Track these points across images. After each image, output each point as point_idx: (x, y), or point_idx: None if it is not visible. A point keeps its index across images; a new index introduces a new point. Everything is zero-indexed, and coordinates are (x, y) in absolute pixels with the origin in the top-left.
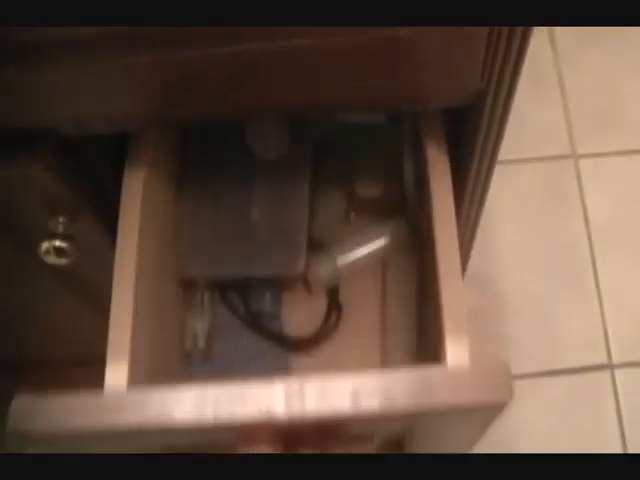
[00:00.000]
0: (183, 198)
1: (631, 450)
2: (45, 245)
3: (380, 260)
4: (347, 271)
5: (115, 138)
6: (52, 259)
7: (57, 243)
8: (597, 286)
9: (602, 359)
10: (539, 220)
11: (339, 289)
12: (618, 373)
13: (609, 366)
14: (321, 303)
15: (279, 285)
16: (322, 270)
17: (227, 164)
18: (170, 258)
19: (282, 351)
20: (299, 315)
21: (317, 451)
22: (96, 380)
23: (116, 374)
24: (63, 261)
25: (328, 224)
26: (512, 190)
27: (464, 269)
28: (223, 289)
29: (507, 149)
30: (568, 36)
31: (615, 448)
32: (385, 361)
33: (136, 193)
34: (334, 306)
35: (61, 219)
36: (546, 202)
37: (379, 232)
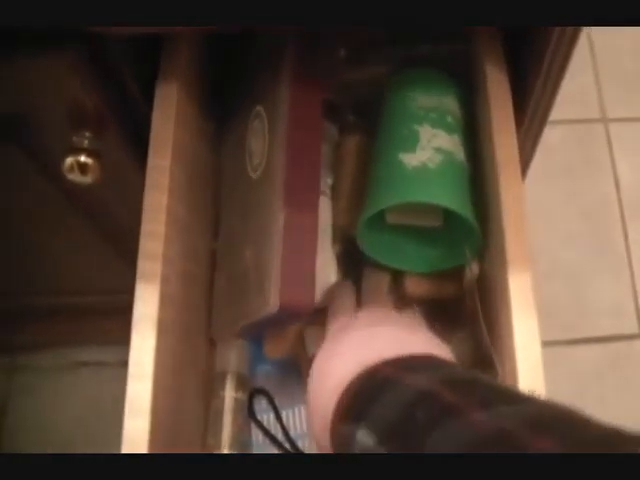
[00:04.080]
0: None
1: None
2: (69, 160)
3: None
4: None
5: (145, 50)
6: (76, 176)
7: (82, 158)
8: (628, 253)
9: (632, 329)
10: (568, 184)
11: None
12: None
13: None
14: None
15: None
16: None
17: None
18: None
19: None
20: None
21: None
22: (104, 334)
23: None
24: (87, 179)
25: None
26: (540, 152)
27: None
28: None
29: None
30: None
31: None
32: None
33: (169, 107)
34: None
35: (87, 133)
36: (575, 166)
37: None
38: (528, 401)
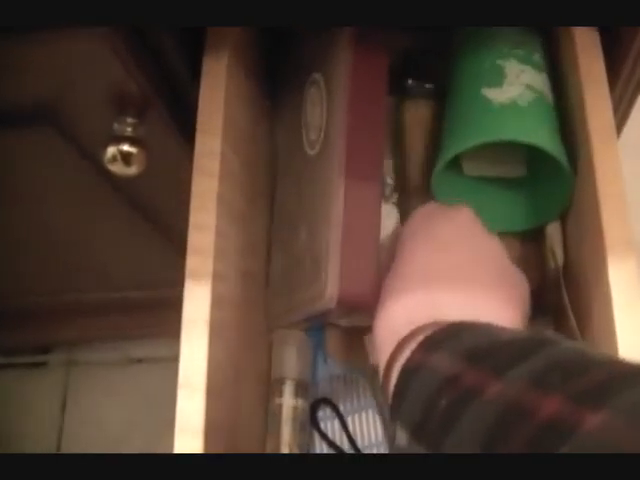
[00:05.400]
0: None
1: None
2: (111, 150)
3: None
4: None
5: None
6: (118, 168)
7: (125, 147)
8: None
9: None
10: None
11: None
12: None
13: None
14: None
15: None
16: None
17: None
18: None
19: None
20: None
21: None
22: (158, 327)
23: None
24: (131, 170)
25: None
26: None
27: None
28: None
29: None
30: None
31: None
32: None
33: (218, 82)
34: None
35: (129, 119)
36: None
37: None
38: (538, 353)
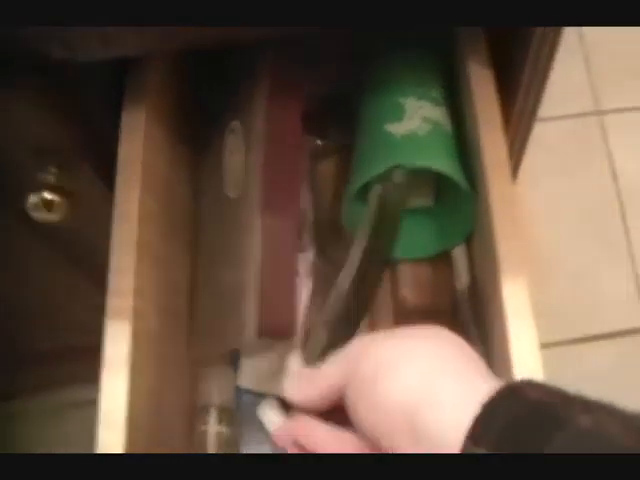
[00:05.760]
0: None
1: None
2: (33, 198)
3: None
4: None
5: (114, 74)
6: (41, 214)
7: (47, 195)
8: (629, 243)
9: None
10: (567, 179)
11: None
12: None
13: None
14: None
15: None
16: None
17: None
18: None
19: None
20: None
21: None
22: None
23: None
24: (54, 216)
25: None
26: (537, 149)
27: None
28: None
29: None
30: None
31: None
32: None
33: (137, 133)
34: None
35: (52, 169)
36: (573, 160)
37: None
38: None
